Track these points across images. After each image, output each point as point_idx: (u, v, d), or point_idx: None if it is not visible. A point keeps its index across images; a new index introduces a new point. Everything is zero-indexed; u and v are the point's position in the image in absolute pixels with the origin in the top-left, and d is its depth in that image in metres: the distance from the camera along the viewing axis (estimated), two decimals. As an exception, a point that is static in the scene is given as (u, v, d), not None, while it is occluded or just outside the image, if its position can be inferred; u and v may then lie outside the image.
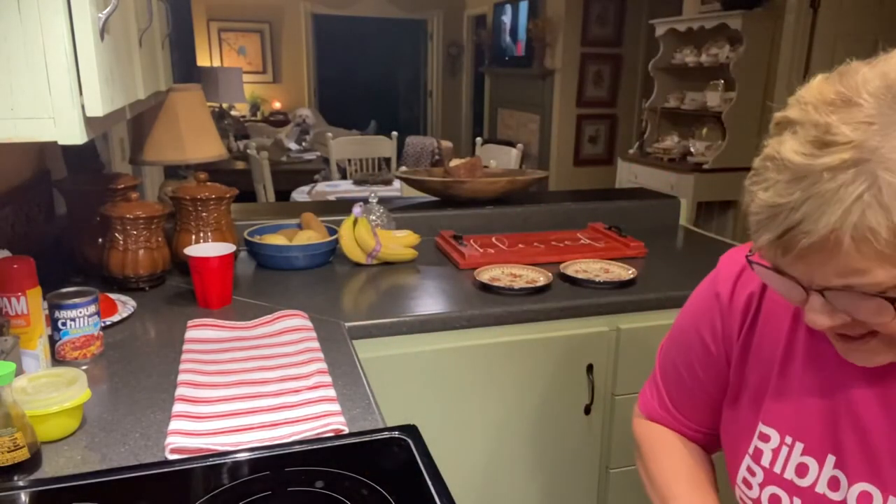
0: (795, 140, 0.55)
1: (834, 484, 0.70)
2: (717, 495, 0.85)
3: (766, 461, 0.75)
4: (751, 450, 0.77)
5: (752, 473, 0.76)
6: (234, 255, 1.45)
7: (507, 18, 6.55)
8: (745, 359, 0.79)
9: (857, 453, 0.68)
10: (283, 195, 4.01)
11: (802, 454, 0.72)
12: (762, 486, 0.75)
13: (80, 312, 1.12)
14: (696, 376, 0.86)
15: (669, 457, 0.89)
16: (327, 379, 1.09)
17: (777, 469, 0.74)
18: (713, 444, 0.90)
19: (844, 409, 0.70)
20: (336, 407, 1.01)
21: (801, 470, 0.72)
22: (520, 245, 1.86)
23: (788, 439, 0.73)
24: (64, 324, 1.11)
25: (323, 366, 1.13)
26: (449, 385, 1.44)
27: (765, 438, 0.75)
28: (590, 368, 1.52)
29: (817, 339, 0.71)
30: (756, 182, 0.58)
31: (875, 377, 0.67)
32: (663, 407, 0.92)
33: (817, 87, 0.58)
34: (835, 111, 0.54)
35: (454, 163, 2.25)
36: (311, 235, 1.72)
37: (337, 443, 0.92)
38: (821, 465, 0.71)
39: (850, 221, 0.51)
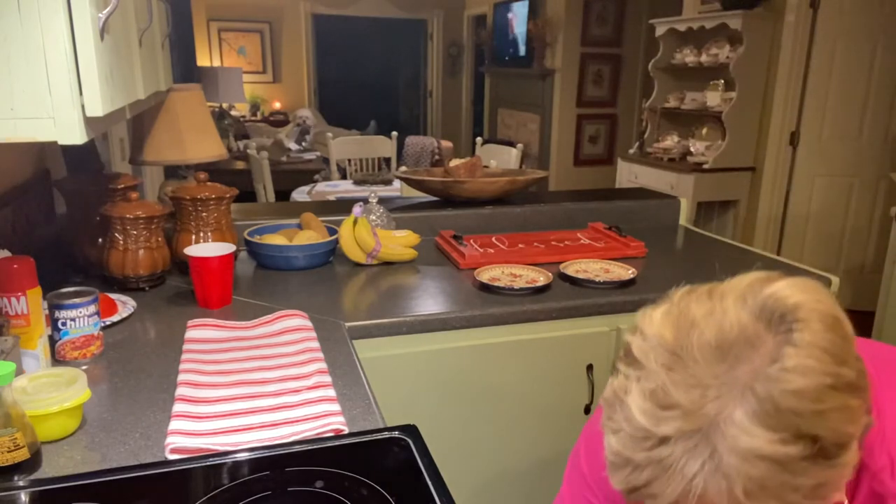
0: (639, 389, 0.54)
1: None
2: None
3: None
4: None
5: None
6: (234, 255, 1.45)
7: (507, 18, 6.55)
8: None
9: None
10: (283, 195, 4.02)
11: None
12: None
13: (80, 312, 1.12)
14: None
15: None
16: (327, 379, 1.09)
17: None
18: None
19: None
20: (336, 407, 1.01)
21: None
22: (520, 245, 1.86)
23: None
24: (64, 324, 1.11)
25: (323, 366, 1.13)
26: (449, 385, 1.44)
27: None
28: (590, 368, 1.52)
29: None
30: (608, 417, 0.57)
31: None
32: None
33: (658, 325, 0.56)
34: (671, 367, 0.53)
35: (454, 163, 2.25)
36: (311, 235, 1.72)
37: (337, 443, 0.92)
38: None
39: (694, 492, 0.51)
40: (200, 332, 1.26)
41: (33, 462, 0.84)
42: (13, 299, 1.03)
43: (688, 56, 4.09)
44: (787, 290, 0.55)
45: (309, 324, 1.30)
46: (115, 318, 1.31)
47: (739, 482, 0.50)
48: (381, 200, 1.95)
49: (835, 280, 1.66)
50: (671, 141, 4.22)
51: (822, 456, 0.51)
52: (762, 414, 0.50)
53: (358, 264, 1.73)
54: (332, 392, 1.05)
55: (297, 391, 1.05)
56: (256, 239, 1.70)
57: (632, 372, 0.56)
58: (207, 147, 1.79)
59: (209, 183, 1.59)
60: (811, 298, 0.54)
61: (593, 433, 0.85)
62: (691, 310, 0.56)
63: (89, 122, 0.88)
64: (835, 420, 0.51)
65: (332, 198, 3.45)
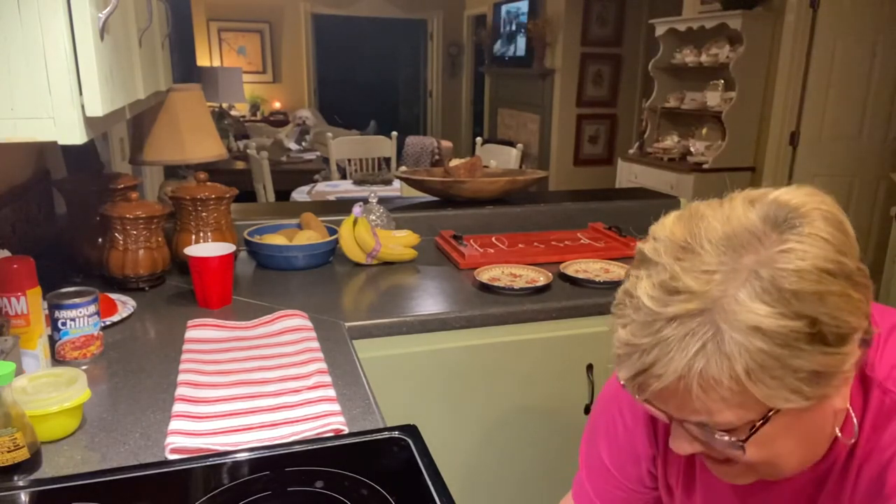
0: (649, 281, 0.57)
1: None
2: None
3: None
4: None
5: None
6: (234, 255, 1.45)
7: (507, 18, 6.55)
8: (665, 456, 0.81)
9: None
10: (283, 195, 4.01)
11: None
12: None
13: (80, 312, 1.12)
14: (610, 468, 0.86)
15: None
16: (327, 379, 1.09)
17: None
18: None
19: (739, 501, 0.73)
20: (336, 407, 1.01)
21: None
22: (520, 245, 1.86)
23: None
24: (64, 324, 1.11)
25: (323, 366, 1.13)
26: (449, 385, 1.44)
27: None
28: (590, 368, 1.52)
29: None
30: (617, 315, 0.60)
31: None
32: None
33: (670, 226, 0.60)
34: (680, 258, 0.56)
35: (454, 163, 2.25)
36: (311, 235, 1.72)
37: (337, 443, 0.92)
38: None
39: (696, 370, 0.54)
40: (200, 332, 1.26)
41: (33, 462, 0.84)
42: (13, 299, 1.03)
43: (688, 56, 4.09)
44: (789, 194, 0.58)
45: (309, 324, 1.30)
46: (115, 318, 1.31)
47: (741, 360, 0.52)
48: (381, 200, 1.95)
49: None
50: (671, 141, 4.22)
51: (820, 340, 0.53)
52: (763, 293, 0.53)
53: (358, 264, 1.72)
54: (332, 392, 1.05)
55: (297, 391, 1.05)
56: (256, 239, 1.70)
57: (642, 271, 0.58)
58: (207, 147, 1.78)
59: (209, 183, 1.59)
60: (814, 200, 0.57)
61: (608, 417, 0.86)
62: (701, 209, 0.60)
63: (89, 122, 0.88)
64: (834, 305, 0.53)
65: (332, 198, 3.45)
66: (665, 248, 0.58)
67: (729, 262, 0.54)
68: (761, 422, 0.56)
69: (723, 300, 0.53)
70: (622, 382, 0.60)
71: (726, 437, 0.58)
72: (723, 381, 0.53)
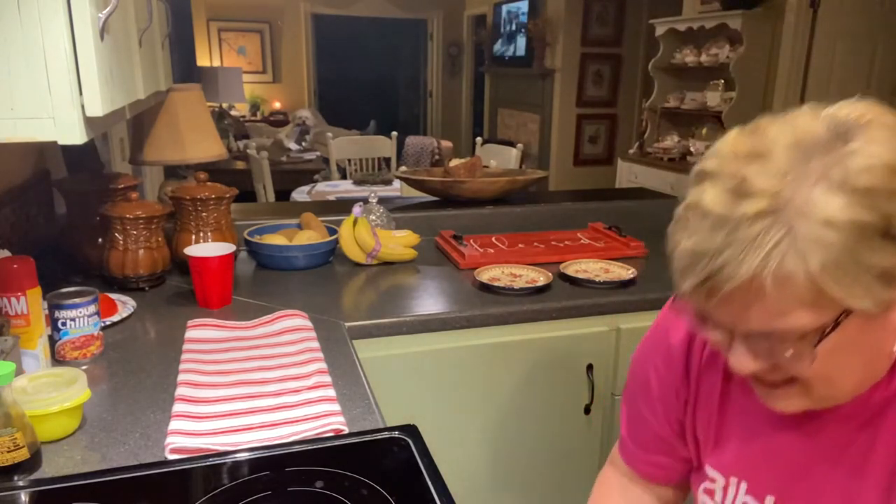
0: (714, 190, 0.57)
1: None
2: None
3: (717, 499, 0.79)
4: (703, 488, 0.81)
5: None
6: (234, 255, 1.45)
7: (506, 18, 6.55)
8: (695, 402, 0.81)
9: (793, 492, 0.71)
10: (283, 195, 4.01)
11: (746, 493, 0.75)
12: None
13: (80, 312, 1.12)
14: (647, 416, 0.87)
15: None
16: (327, 379, 1.09)
17: None
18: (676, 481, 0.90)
19: (776, 449, 0.73)
20: (336, 407, 1.01)
21: None
22: (520, 245, 1.86)
23: (733, 480, 0.77)
24: (64, 324, 1.11)
25: (323, 366, 1.13)
26: (449, 385, 1.44)
27: (711, 480, 0.79)
28: (590, 368, 1.52)
29: (749, 385, 0.74)
30: (678, 230, 0.59)
31: (802, 417, 0.69)
32: (626, 448, 0.91)
33: (732, 141, 0.60)
34: (749, 163, 0.56)
35: (454, 163, 2.25)
36: (311, 235, 1.72)
37: (337, 443, 0.92)
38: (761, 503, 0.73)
39: (770, 267, 0.53)
40: (200, 332, 1.26)
41: (33, 462, 0.84)
42: (13, 299, 1.03)
43: (688, 56, 4.09)
44: (847, 107, 0.58)
45: (309, 324, 1.30)
46: (115, 318, 1.31)
47: (815, 256, 0.52)
48: (381, 200, 1.95)
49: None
50: (671, 141, 4.22)
51: (893, 238, 0.54)
52: (837, 189, 0.53)
53: (358, 264, 1.72)
54: (332, 392, 1.05)
55: (297, 391, 1.05)
56: (256, 239, 1.70)
57: (706, 183, 0.58)
58: (207, 147, 1.78)
59: (209, 183, 1.59)
60: (873, 109, 0.58)
61: (643, 369, 0.86)
62: (763, 124, 0.60)
63: (89, 122, 0.89)
64: None
65: (332, 198, 3.45)
66: (731, 159, 0.58)
67: (799, 166, 0.55)
68: (832, 326, 0.56)
69: (795, 199, 0.53)
70: (685, 296, 0.59)
71: (793, 349, 0.57)
72: (797, 278, 0.53)
